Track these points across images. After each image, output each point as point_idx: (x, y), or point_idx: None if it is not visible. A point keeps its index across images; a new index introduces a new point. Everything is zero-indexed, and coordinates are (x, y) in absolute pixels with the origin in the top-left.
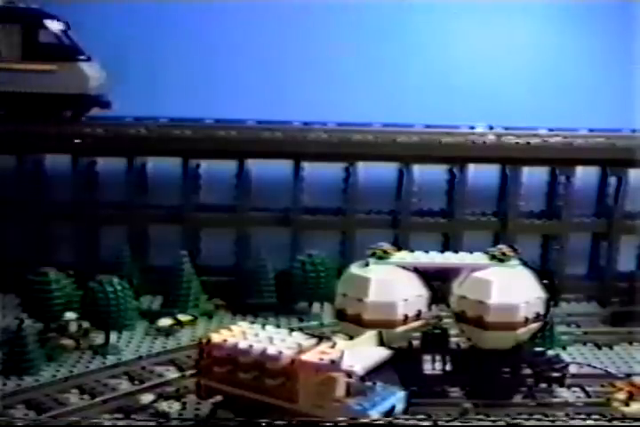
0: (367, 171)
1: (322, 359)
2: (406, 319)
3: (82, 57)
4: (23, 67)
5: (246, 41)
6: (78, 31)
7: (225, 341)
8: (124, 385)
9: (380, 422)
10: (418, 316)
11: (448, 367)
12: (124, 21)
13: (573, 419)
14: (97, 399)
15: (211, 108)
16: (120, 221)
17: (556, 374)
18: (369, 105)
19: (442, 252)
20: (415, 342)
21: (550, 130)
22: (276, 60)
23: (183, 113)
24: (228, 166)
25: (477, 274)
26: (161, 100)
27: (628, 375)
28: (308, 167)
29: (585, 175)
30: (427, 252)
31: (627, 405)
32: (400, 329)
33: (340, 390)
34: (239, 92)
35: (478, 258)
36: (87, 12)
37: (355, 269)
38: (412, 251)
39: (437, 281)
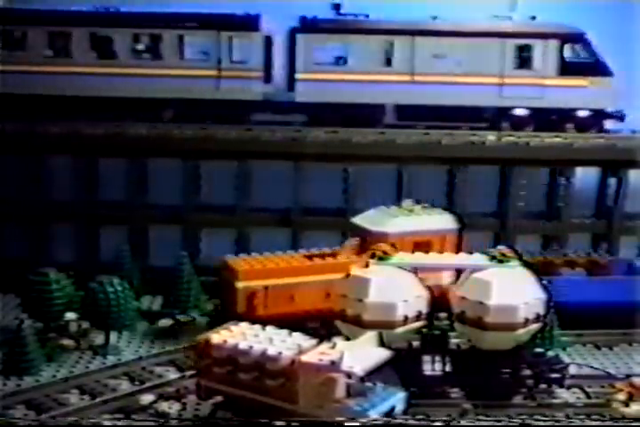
0: (367, 172)
1: (322, 360)
2: (406, 320)
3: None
4: (556, 82)
5: None
6: None
7: (225, 341)
8: (124, 386)
9: (380, 422)
10: (418, 317)
11: (448, 368)
12: None
13: (573, 420)
14: (97, 400)
15: None
16: (120, 221)
17: (555, 375)
18: None
19: (442, 252)
20: (415, 343)
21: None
22: None
23: None
24: (228, 166)
25: (477, 275)
26: None
27: (628, 376)
28: (308, 167)
29: (585, 176)
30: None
31: (626, 406)
32: (400, 330)
33: (340, 391)
34: None
35: (478, 259)
36: None
37: (355, 269)
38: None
39: None
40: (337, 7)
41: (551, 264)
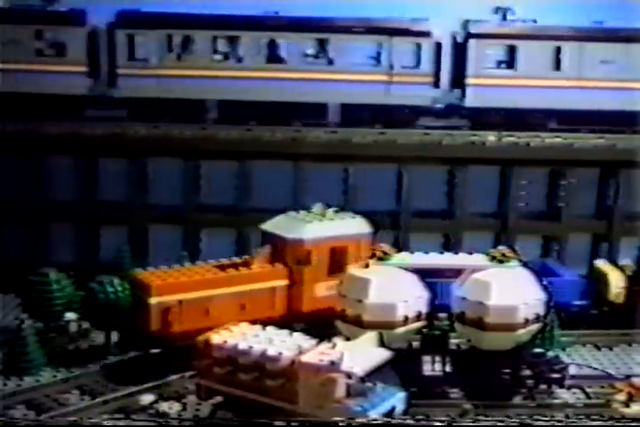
0: (367, 172)
1: (322, 360)
2: (406, 320)
3: None
4: None
5: None
6: None
7: (225, 342)
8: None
9: (380, 422)
10: (418, 317)
11: (448, 368)
12: None
13: (573, 420)
14: (97, 400)
15: None
16: (120, 221)
17: (555, 376)
18: None
19: (442, 253)
20: (415, 343)
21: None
22: None
23: None
24: (228, 166)
25: (477, 275)
26: None
27: (628, 377)
28: (308, 168)
29: (585, 176)
30: (427, 253)
31: (626, 406)
32: (400, 330)
33: (340, 391)
34: None
35: (478, 259)
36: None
37: (355, 270)
38: (412, 252)
39: None
40: (502, 11)
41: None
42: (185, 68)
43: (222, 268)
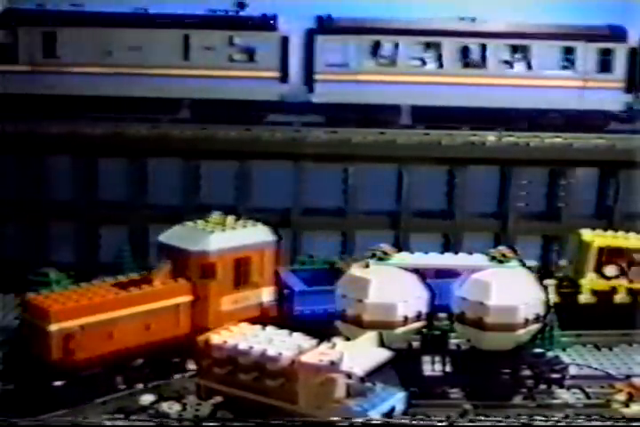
0: (367, 172)
1: (322, 360)
2: (406, 320)
3: None
4: None
5: None
6: None
7: (225, 342)
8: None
9: (380, 422)
10: (418, 317)
11: (448, 368)
12: None
13: (573, 420)
14: (97, 400)
15: None
16: (120, 221)
17: (555, 376)
18: None
19: (442, 253)
20: (415, 343)
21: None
22: None
23: None
24: (228, 166)
25: (477, 275)
26: None
27: (628, 377)
28: (308, 168)
29: (585, 176)
30: (426, 253)
31: (626, 406)
32: (400, 330)
33: (340, 391)
34: None
35: (478, 259)
36: None
37: (355, 270)
38: (412, 252)
39: None
40: None
41: None
42: (385, 74)
43: (122, 286)
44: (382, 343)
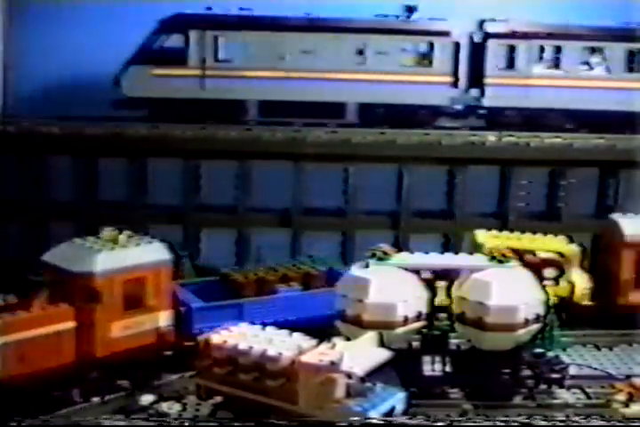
0: (367, 172)
1: (322, 360)
2: (406, 320)
3: None
4: None
5: None
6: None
7: (225, 342)
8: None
9: (380, 422)
10: (418, 317)
11: (448, 368)
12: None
13: (573, 420)
14: (97, 400)
15: None
16: (120, 221)
17: (555, 376)
18: None
19: (442, 253)
20: (415, 343)
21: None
22: None
23: None
24: (228, 166)
25: (477, 275)
26: None
27: (628, 377)
28: (308, 168)
29: (585, 176)
30: (427, 253)
31: (626, 406)
32: (400, 330)
33: (340, 391)
34: None
35: (478, 259)
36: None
37: (355, 270)
38: (412, 252)
39: None
40: None
41: (264, 282)
42: (553, 78)
43: None
44: (382, 343)
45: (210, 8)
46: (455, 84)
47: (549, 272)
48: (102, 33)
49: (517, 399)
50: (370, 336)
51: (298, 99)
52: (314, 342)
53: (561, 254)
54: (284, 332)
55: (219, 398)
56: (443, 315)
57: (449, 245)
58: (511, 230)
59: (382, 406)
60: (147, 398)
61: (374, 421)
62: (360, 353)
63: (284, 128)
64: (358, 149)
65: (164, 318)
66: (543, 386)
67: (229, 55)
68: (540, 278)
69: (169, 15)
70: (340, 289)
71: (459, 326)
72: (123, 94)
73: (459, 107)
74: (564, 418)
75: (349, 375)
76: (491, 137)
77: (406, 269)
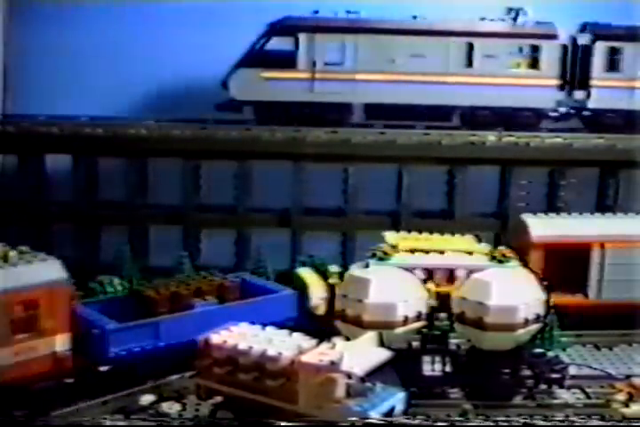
0: (367, 172)
1: (322, 360)
2: (406, 320)
3: None
4: None
5: None
6: (79, 31)
7: (225, 342)
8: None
9: (380, 422)
10: (418, 317)
11: (448, 368)
12: (123, 21)
13: (573, 420)
14: (97, 400)
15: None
16: (120, 221)
17: (555, 376)
18: None
19: (442, 253)
20: (415, 343)
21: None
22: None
23: None
24: (228, 166)
25: (477, 275)
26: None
27: (628, 377)
28: (308, 168)
29: (585, 176)
30: (427, 253)
31: (626, 406)
32: (400, 330)
33: (340, 391)
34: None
35: (478, 259)
36: (85, 11)
37: (355, 270)
38: (412, 252)
39: None
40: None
41: (179, 296)
42: None
43: None
44: (382, 343)
45: (317, 11)
46: (562, 87)
47: (461, 273)
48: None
49: (517, 399)
50: (370, 336)
51: (405, 102)
52: (314, 341)
53: (471, 254)
54: (284, 332)
55: (219, 398)
56: (443, 315)
57: None
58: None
59: (382, 406)
60: (147, 398)
61: (374, 421)
62: (360, 353)
63: (284, 128)
64: (358, 149)
65: (61, 343)
66: (543, 386)
67: (338, 58)
68: (454, 280)
69: (278, 18)
70: (341, 289)
71: (459, 326)
72: (230, 97)
73: (562, 109)
74: (563, 418)
75: (349, 375)
76: (491, 137)
77: (406, 270)
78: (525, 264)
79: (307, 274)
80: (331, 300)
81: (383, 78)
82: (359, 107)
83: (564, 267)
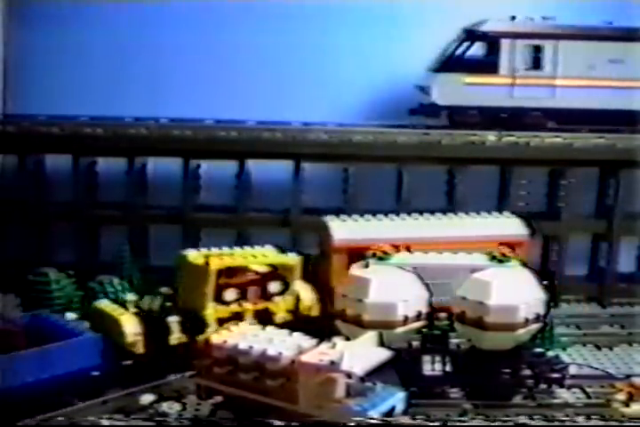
0: (367, 172)
1: (322, 360)
2: (406, 320)
3: None
4: None
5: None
6: (79, 30)
7: (225, 341)
8: None
9: (380, 422)
10: (418, 317)
11: (448, 368)
12: (124, 20)
13: (573, 420)
14: (97, 400)
15: (210, 109)
16: (120, 221)
17: (555, 375)
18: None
19: (441, 253)
20: (415, 343)
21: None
22: (274, 60)
23: (183, 114)
24: (228, 166)
25: (477, 275)
26: (162, 101)
27: (628, 376)
28: (308, 168)
29: (585, 176)
30: (426, 252)
31: (626, 406)
32: (400, 330)
33: (340, 391)
34: (239, 93)
35: (478, 259)
36: (87, 10)
37: (355, 269)
38: (412, 252)
39: None
40: None
41: None
42: None
43: None
44: (382, 343)
45: (514, 17)
46: None
47: (275, 287)
48: None
49: (517, 399)
50: (370, 336)
51: (602, 107)
52: (314, 341)
53: (276, 267)
54: (285, 331)
55: (219, 398)
56: (443, 314)
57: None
58: None
59: (382, 405)
60: (147, 398)
61: (374, 421)
62: (360, 353)
63: (284, 128)
64: (358, 148)
65: None
66: (543, 386)
67: (538, 64)
68: (267, 295)
69: (474, 24)
70: (341, 289)
71: (459, 325)
72: (428, 101)
73: None
74: (563, 418)
75: (349, 375)
76: (491, 137)
77: (406, 269)
78: (328, 268)
79: (109, 307)
80: (148, 334)
81: (582, 84)
82: (555, 112)
83: None
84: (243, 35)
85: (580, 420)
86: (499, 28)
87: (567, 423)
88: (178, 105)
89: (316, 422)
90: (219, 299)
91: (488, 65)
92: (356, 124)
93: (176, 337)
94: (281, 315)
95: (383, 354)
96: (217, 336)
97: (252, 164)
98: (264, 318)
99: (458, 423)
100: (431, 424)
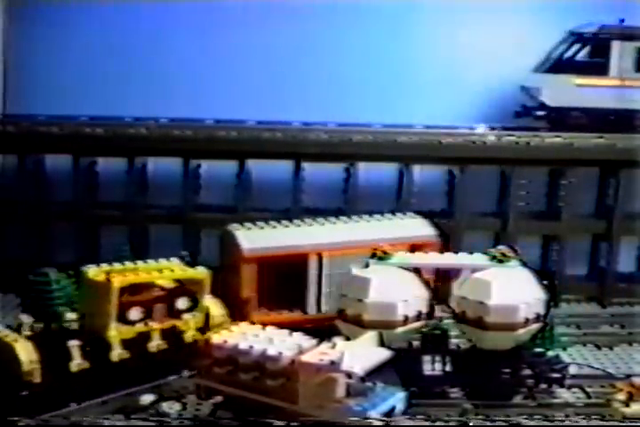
0: (367, 171)
1: (322, 360)
2: (406, 320)
3: None
4: None
5: (247, 41)
6: (79, 30)
7: (225, 341)
8: None
9: (380, 422)
10: (418, 316)
11: (448, 368)
12: (124, 21)
13: (573, 420)
14: (97, 400)
15: (211, 109)
16: (120, 221)
17: (555, 375)
18: (368, 106)
19: (442, 252)
20: (415, 343)
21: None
22: (276, 60)
23: (183, 114)
24: (228, 166)
25: (477, 275)
26: (162, 101)
27: (628, 376)
28: (308, 168)
29: (585, 176)
30: (426, 252)
31: (627, 405)
32: (400, 330)
33: (340, 391)
34: (239, 93)
35: (478, 259)
36: (86, 11)
37: (355, 269)
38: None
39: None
40: None
41: None
42: None
43: None
44: (382, 343)
45: (623, 20)
46: None
47: (182, 303)
48: None
49: (517, 399)
50: (370, 336)
51: None
52: (314, 341)
53: (182, 282)
54: (285, 331)
55: (219, 398)
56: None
57: (448, 245)
58: (511, 230)
59: (382, 405)
60: (147, 398)
61: (374, 421)
62: (360, 353)
63: (284, 128)
64: (359, 148)
65: None
66: (543, 385)
67: None
68: (175, 313)
69: (582, 26)
70: (341, 289)
71: (459, 325)
72: (534, 103)
73: None
74: (564, 418)
75: (349, 375)
76: (490, 136)
77: (406, 269)
78: (237, 280)
79: (1, 332)
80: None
81: None
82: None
83: (282, 281)
84: (243, 35)
85: (580, 420)
86: (610, 31)
87: (567, 423)
88: (178, 105)
89: (316, 422)
90: (122, 319)
91: (597, 67)
92: (356, 124)
93: (77, 363)
94: (190, 333)
95: (383, 354)
96: (217, 336)
97: (252, 163)
98: (172, 338)
99: (458, 423)
100: (431, 424)
